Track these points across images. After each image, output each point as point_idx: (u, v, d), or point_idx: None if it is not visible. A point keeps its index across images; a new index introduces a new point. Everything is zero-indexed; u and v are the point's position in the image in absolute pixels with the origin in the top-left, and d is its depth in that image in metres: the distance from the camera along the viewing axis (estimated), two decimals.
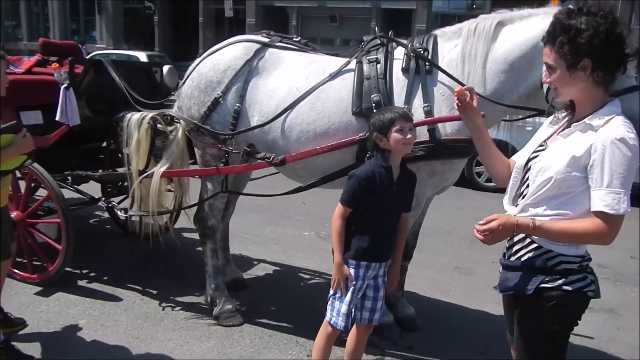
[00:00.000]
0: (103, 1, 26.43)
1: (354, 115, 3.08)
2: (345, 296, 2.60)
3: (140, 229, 4.19)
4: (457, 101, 2.16)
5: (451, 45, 3.08)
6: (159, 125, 3.59)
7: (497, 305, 4.00)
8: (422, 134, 2.96)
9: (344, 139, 3.08)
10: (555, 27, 1.81)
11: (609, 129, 1.73)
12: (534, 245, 1.89)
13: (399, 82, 3.08)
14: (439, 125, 2.98)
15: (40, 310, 3.65)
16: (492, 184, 7.57)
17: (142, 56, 15.92)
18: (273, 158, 3.19)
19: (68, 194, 4.26)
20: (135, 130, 3.55)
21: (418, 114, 2.98)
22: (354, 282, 2.59)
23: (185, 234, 5.00)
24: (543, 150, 1.93)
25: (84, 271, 4.29)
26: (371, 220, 2.57)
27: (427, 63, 3.03)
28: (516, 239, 1.95)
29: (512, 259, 1.96)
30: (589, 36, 1.72)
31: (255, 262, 4.70)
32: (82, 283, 4.10)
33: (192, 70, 3.53)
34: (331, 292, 2.67)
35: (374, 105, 3.00)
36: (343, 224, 2.57)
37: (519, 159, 2.02)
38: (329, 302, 2.68)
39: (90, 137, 4.42)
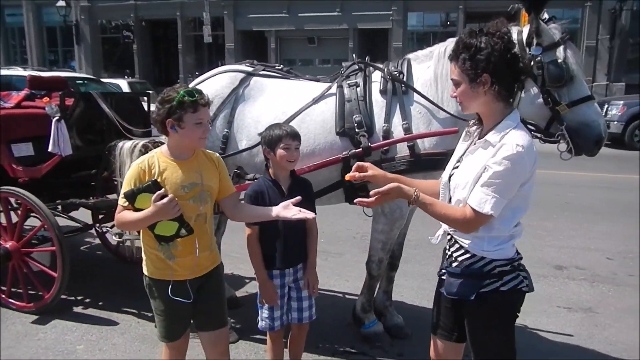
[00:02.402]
0: (81, 32, 26.53)
1: (338, 135, 3.31)
2: (278, 304, 2.83)
3: (132, 253, 4.28)
4: (355, 179, 2.34)
5: (424, 67, 3.31)
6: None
7: None
8: (403, 149, 3.18)
9: (329, 158, 3.27)
10: (459, 45, 2.00)
11: (502, 145, 1.92)
12: (470, 254, 2.08)
13: (378, 103, 3.31)
14: (418, 140, 3.19)
15: (38, 339, 3.71)
16: None
17: (123, 84, 16.01)
18: (254, 177, 3.34)
19: (60, 221, 4.34)
20: (128, 157, 3.68)
21: (398, 131, 3.22)
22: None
23: None
24: (459, 165, 2.14)
25: (79, 297, 4.37)
26: (274, 231, 2.75)
27: (402, 85, 3.26)
28: (454, 247, 2.16)
29: (453, 265, 2.15)
30: (487, 53, 1.92)
31: (247, 281, 4.81)
32: (78, 309, 4.18)
33: None
34: (259, 303, 2.88)
35: (356, 125, 3.24)
36: (255, 245, 2.78)
37: (443, 175, 2.23)
38: (259, 310, 2.90)
39: (81, 166, 4.53)
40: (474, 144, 2.10)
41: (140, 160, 2.39)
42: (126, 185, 2.33)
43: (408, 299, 4.40)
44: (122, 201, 2.32)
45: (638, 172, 9.34)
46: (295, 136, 2.75)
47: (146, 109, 4.84)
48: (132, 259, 4.52)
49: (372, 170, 2.33)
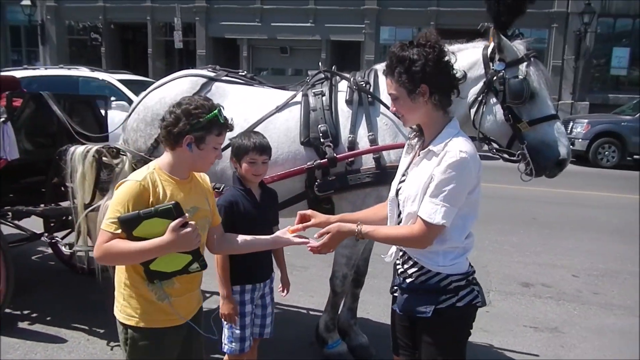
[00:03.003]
0: (47, 32, 25.85)
1: (302, 145, 3.17)
2: (237, 323, 2.66)
3: (85, 263, 4.04)
4: (299, 230, 2.26)
5: None
6: (104, 158, 3.52)
7: None
8: (369, 161, 3.08)
9: (293, 168, 3.13)
10: (392, 60, 1.99)
11: (445, 153, 1.92)
12: (425, 269, 2.03)
13: (344, 113, 3.21)
14: (384, 153, 3.09)
15: None
16: None
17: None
18: (223, 188, 3.18)
19: (8, 230, 4.08)
20: (80, 163, 3.48)
21: (363, 142, 3.12)
22: (246, 307, 2.67)
23: None
24: (405, 179, 2.11)
25: (25, 312, 4.08)
26: None
27: (368, 95, 3.17)
28: (408, 264, 2.10)
29: (407, 281, 2.09)
30: (422, 64, 1.92)
31: (208, 295, 4.60)
32: (22, 325, 3.90)
33: (138, 104, 3.52)
34: (224, 323, 2.70)
35: (321, 135, 3.13)
36: (225, 258, 2.61)
37: (390, 191, 2.19)
38: (224, 332, 2.71)
39: (31, 171, 4.28)
40: (418, 155, 2.08)
41: (141, 177, 1.96)
42: (118, 206, 1.89)
43: (374, 316, 4.28)
44: (111, 227, 1.87)
45: (638, 192, 9.46)
46: (264, 150, 2.62)
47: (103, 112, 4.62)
48: (84, 270, 4.26)
49: (316, 218, 2.27)
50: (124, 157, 3.55)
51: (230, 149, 2.71)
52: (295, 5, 23.20)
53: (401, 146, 3.01)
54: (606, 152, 13.47)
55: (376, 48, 22.94)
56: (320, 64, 3.64)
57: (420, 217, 1.94)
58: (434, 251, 2.00)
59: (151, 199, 1.92)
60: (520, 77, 2.87)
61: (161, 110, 3.38)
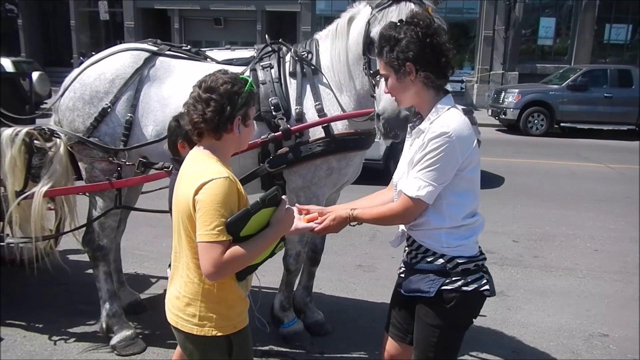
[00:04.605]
0: None
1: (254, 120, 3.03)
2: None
3: (19, 255, 3.76)
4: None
5: (325, 47, 3.18)
6: (35, 142, 3.24)
7: None
8: (317, 132, 3.07)
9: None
10: (381, 40, 2.00)
11: (428, 129, 1.92)
12: (430, 252, 2.01)
13: (292, 84, 3.15)
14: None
15: None
16: None
17: (7, 62, 14.43)
18: (172, 167, 3.02)
19: None
20: (8, 147, 3.17)
21: (311, 113, 3.09)
22: None
23: (72, 257, 4.59)
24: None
25: None
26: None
27: (311, 66, 3.14)
28: (413, 245, 2.07)
29: (413, 262, 2.07)
30: (406, 42, 1.91)
31: (154, 280, 4.43)
32: None
33: (73, 81, 3.24)
34: None
35: (272, 108, 3.06)
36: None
37: (394, 177, 2.15)
38: None
39: None
40: (410, 135, 2.07)
41: (222, 171, 1.77)
42: (221, 210, 1.70)
43: (327, 291, 4.28)
44: (220, 235, 1.70)
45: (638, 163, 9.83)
46: None
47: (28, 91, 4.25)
48: (14, 262, 3.96)
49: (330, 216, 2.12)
50: (58, 139, 3.28)
51: (172, 128, 2.53)
52: None
53: (354, 115, 3.04)
54: (535, 121, 14.08)
55: (312, 19, 22.68)
56: (266, 36, 3.49)
57: (402, 192, 1.95)
58: (436, 232, 1.97)
59: (239, 190, 1.80)
60: (370, 22, 2.76)
61: (101, 86, 3.15)
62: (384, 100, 2.46)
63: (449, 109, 1.96)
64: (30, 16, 24.58)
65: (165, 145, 3.08)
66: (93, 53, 10.79)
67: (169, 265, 2.25)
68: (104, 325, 3.39)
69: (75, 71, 3.31)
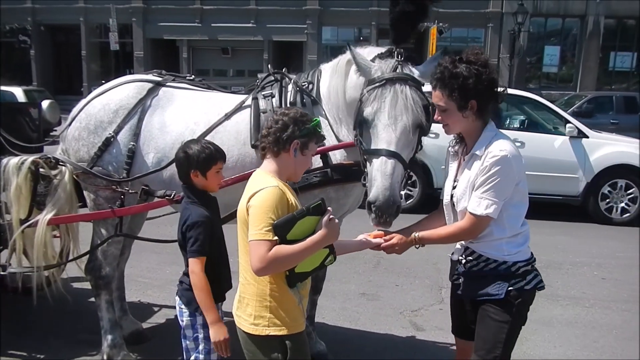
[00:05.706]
0: None
1: (253, 148, 3.07)
2: (214, 352, 2.39)
3: (21, 284, 3.75)
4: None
5: (325, 79, 3.20)
6: (41, 170, 3.28)
7: (403, 329, 4.11)
8: (316, 162, 3.03)
9: (245, 172, 3.02)
10: (444, 74, 2.16)
11: (487, 153, 2.16)
12: (492, 259, 2.24)
13: None
14: (329, 152, 3.06)
15: None
16: None
17: (19, 92, 14.73)
18: (174, 195, 3.04)
19: None
20: (14, 175, 3.21)
21: None
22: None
23: (76, 285, 4.58)
24: (457, 185, 2.31)
25: None
26: (218, 258, 2.46)
27: (310, 97, 3.15)
28: (474, 255, 2.30)
29: (475, 269, 2.29)
30: (474, 82, 2.12)
31: (156, 309, 4.41)
32: None
33: (79, 112, 3.31)
34: (201, 355, 2.43)
35: None
36: (204, 277, 2.33)
37: (444, 198, 2.40)
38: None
39: None
40: (464, 160, 2.30)
41: (274, 182, 2.02)
42: (269, 213, 1.93)
43: (330, 320, 4.23)
44: (268, 235, 1.91)
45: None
46: (225, 157, 2.52)
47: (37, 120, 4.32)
48: (17, 290, 3.95)
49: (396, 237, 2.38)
50: (63, 167, 3.33)
51: (182, 159, 2.47)
52: (236, 5, 22.98)
53: (348, 145, 3.01)
54: None
55: (319, 48, 23.06)
56: (269, 66, 3.54)
57: (468, 211, 2.18)
58: (497, 242, 2.21)
59: (288, 201, 2.01)
60: (362, 100, 2.58)
61: (105, 117, 3.20)
62: (376, 188, 2.41)
63: (495, 135, 2.20)
64: (43, 46, 25.17)
65: (166, 172, 3.12)
66: (103, 82, 10.99)
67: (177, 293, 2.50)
68: (105, 357, 3.37)
69: (82, 102, 3.38)
